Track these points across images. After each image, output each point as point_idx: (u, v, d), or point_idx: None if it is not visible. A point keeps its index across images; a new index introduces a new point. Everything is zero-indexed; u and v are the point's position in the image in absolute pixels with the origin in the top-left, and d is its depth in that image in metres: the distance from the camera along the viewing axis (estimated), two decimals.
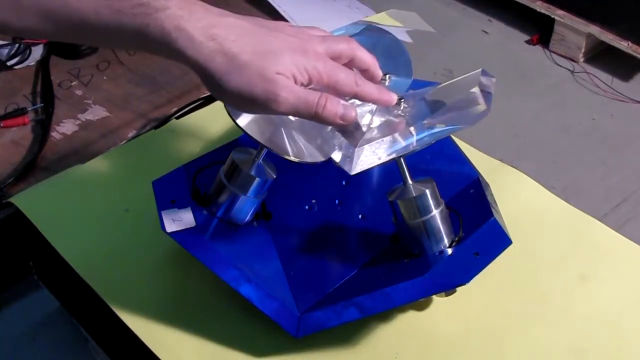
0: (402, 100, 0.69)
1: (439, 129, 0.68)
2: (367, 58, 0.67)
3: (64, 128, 1.11)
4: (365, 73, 0.67)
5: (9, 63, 1.21)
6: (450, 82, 0.72)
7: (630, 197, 1.33)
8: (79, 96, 1.17)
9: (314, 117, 0.62)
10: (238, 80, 0.59)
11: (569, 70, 1.63)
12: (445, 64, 1.59)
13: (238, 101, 0.61)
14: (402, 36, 1.49)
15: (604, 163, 1.40)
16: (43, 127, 1.10)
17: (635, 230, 1.21)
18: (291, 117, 0.71)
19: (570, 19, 1.62)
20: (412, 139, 0.68)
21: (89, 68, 1.22)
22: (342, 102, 0.63)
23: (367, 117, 0.71)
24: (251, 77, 0.59)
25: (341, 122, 0.63)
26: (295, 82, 0.61)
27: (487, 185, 0.79)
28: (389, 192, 0.73)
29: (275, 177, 0.75)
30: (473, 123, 0.69)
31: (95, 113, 1.14)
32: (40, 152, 1.06)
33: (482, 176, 0.80)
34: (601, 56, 1.66)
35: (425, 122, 0.68)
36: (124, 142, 1.07)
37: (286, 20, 1.33)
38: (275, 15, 1.34)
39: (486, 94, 0.69)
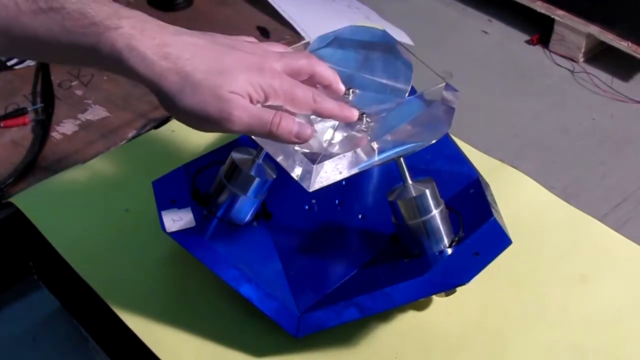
0: (365, 115, 0.69)
1: (401, 146, 0.68)
2: (328, 73, 0.67)
3: (64, 128, 1.11)
4: (327, 88, 0.67)
5: (9, 63, 1.21)
6: (413, 96, 0.72)
7: (630, 197, 1.33)
8: (79, 96, 1.17)
9: (268, 135, 0.62)
10: (191, 99, 0.60)
11: (569, 70, 1.63)
12: (445, 64, 1.60)
13: (192, 120, 0.61)
14: (402, 38, 1.49)
15: (604, 163, 1.40)
16: (43, 127, 1.10)
17: (635, 230, 1.21)
18: None
19: (570, 19, 1.62)
20: (374, 155, 0.68)
21: (89, 68, 1.22)
22: (298, 119, 0.63)
23: (329, 132, 0.70)
24: (204, 96, 0.59)
25: (296, 140, 0.63)
26: (251, 101, 0.61)
27: (487, 185, 0.79)
28: (389, 192, 0.73)
29: (275, 177, 0.75)
30: (434, 140, 0.69)
31: (95, 113, 1.14)
32: (40, 152, 1.06)
33: (482, 176, 0.80)
34: (601, 56, 1.66)
35: (387, 137, 0.68)
36: (124, 142, 1.07)
37: (286, 21, 1.33)
38: (275, 15, 1.34)
39: (449, 109, 0.70)
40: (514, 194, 0.89)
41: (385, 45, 0.76)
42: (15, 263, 0.92)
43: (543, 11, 1.66)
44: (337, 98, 0.68)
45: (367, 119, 0.70)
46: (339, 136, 0.70)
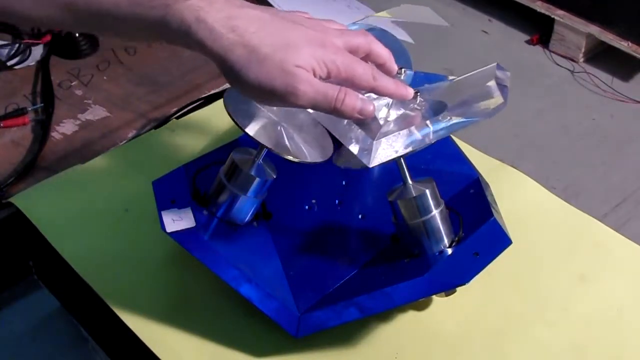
0: (418, 93, 0.70)
1: (455, 121, 0.68)
2: (384, 52, 0.67)
3: (64, 128, 1.11)
4: (382, 67, 0.67)
5: (9, 63, 1.21)
6: (465, 75, 0.72)
7: (630, 197, 1.33)
8: (79, 96, 1.17)
9: (332, 111, 0.62)
10: (258, 73, 0.59)
11: (569, 70, 1.63)
12: (445, 64, 1.60)
13: (258, 93, 0.61)
14: (403, 36, 1.49)
15: (604, 163, 1.40)
16: (43, 127, 1.10)
17: (635, 230, 1.21)
18: (284, 113, 0.71)
19: (570, 19, 1.62)
20: (428, 132, 0.68)
21: (89, 68, 1.22)
22: (360, 96, 0.63)
23: (384, 110, 0.71)
24: (271, 69, 0.59)
25: (359, 116, 0.64)
26: (314, 75, 0.61)
27: (487, 185, 0.80)
28: (389, 192, 0.73)
29: (275, 177, 0.75)
30: (490, 116, 0.68)
31: (95, 113, 1.14)
32: (40, 152, 1.06)
33: (482, 176, 0.80)
34: (601, 56, 1.66)
35: (441, 115, 0.68)
36: (124, 142, 1.07)
37: None
38: None
39: (502, 87, 0.69)
40: (514, 194, 0.89)
41: (385, 43, 0.76)
42: (15, 263, 0.92)
43: (543, 11, 1.66)
44: (390, 77, 0.68)
45: (421, 98, 0.70)
46: (393, 114, 0.70)
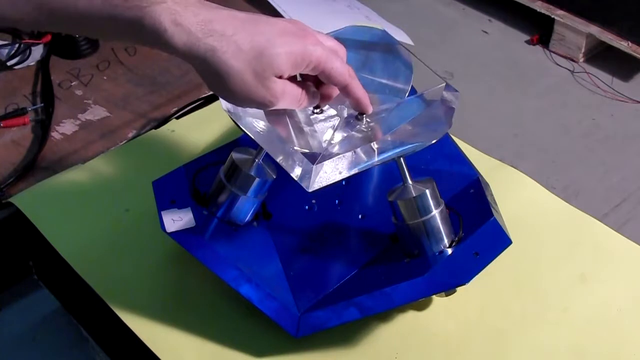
0: (365, 115, 0.69)
1: (401, 146, 0.68)
2: (360, 94, 0.67)
3: (64, 128, 1.11)
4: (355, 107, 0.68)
5: (9, 63, 1.21)
6: (413, 96, 0.72)
7: (630, 197, 1.33)
8: (79, 96, 1.17)
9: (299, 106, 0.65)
10: (234, 85, 0.60)
11: (569, 70, 1.63)
12: (445, 64, 1.59)
13: (235, 101, 0.62)
14: (402, 37, 1.49)
15: (604, 163, 1.40)
16: (43, 127, 1.10)
17: (635, 230, 1.21)
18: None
19: (570, 19, 1.62)
20: (373, 155, 0.68)
21: (89, 68, 1.22)
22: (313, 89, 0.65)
23: (329, 132, 0.71)
24: (247, 82, 0.60)
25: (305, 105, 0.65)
26: (293, 70, 0.61)
27: (487, 185, 0.79)
28: (389, 192, 0.73)
29: (275, 177, 0.75)
30: (434, 140, 0.69)
31: (95, 113, 1.14)
32: (40, 152, 1.06)
33: (482, 176, 0.80)
34: (601, 56, 1.66)
35: (387, 138, 0.68)
36: (124, 142, 1.07)
37: None
38: (275, 15, 1.34)
39: (449, 109, 0.70)
40: (514, 194, 0.89)
41: (385, 45, 0.76)
42: (15, 263, 0.92)
43: (543, 11, 1.66)
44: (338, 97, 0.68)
45: (367, 119, 0.70)
46: (338, 136, 0.70)
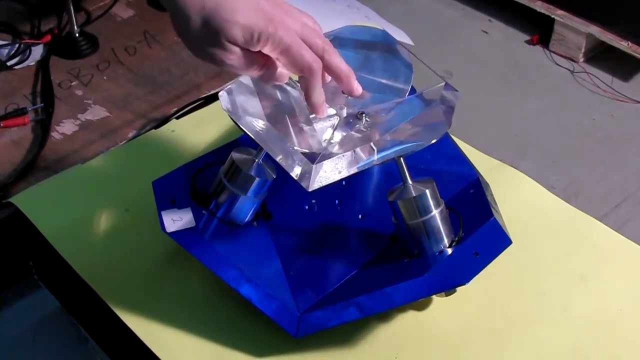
0: (364, 114, 0.70)
1: (400, 145, 0.68)
2: (343, 67, 0.66)
3: (64, 128, 1.11)
4: (339, 85, 0.68)
5: (9, 63, 1.21)
6: (413, 96, 0.72)
7: (630, 197, 1.33)
8: (79, 96, 1.17)
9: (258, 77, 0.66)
10: (192, 32, 0.62)
11: (569, 70, 1.63)
12: (445, 64, 1.60)
13: (190, 47, 0.64)
14: (402, 37, 1.49)
15: (604, 163, 1.40)
16: (43, 127, 1.10)
17: (635, 230, 1.21)
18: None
19: (570, 19, 1.62)
20: (373, 155, 0.68)
21: (89, 68, 1.22)
22: (281, 69, 0.65)
23: (329, 132, 0.71)
24: (204, 32, 0.61)
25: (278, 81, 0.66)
26: (246, 44, 0.62)
27: (487, 185, 0.79)
28: (389, 192, 0.73)
29: (275, 177, 0.75)
30: (434, 140, 0.69)
31: (95, 113, 1.14)
32: (40, 152, 1.06)
33: (482, 176, 0.80)
34: (601, 56, 1.66)
35: (387, 137, 0.68)
36: (124, 142, 1.07)
37: None
38: None
39: (448, 108, 0.70)
40: (514, 194, 0.89)
41: (385, 45, 0.76)
42: (15, 263, 0.92)
43: (543, 11, 1.66)
44: (335, 94, 0.68)
45: (367, 119, 0.70)
46: (338, 136, 0.70)
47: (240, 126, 0.69)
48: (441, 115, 0.69)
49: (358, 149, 0.68)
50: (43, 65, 1.21)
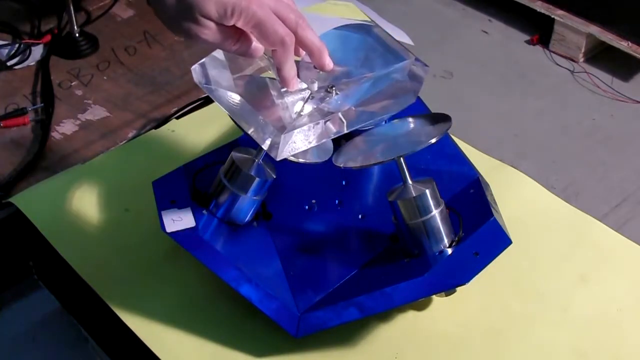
0: (334, 87, 0.70)
1: (369, 118, 0.70)
2: (315, 41, 0.67)
3: (64, 128, 1.11)
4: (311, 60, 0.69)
5: (9, 63, 1.21)
6: (383, 71, 0.73)
7: (630, 197, 1.33)
8: (79, 96, 1.17)
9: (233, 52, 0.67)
10: (167, 5, 0.63)
11: (569, 70, 1.63)
12: (445, 64, 1.60)
13: (165, 21, 0.65)
14: (402, 37, 1.49)
15: (604, 163, 1.40)
16: (43, 127, 1.10)
17: (635, 230, 1.22)
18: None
19: (570, 19, 1.62)
20: (342, 126, 0.69)
21: (89, 68, 1.22)
22: (256, 43, 0.66)
23: (299, 104, 0.71)
24: (179, 6, 0.62)
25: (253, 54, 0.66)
26: (220, 19, 0.62)
27: (487, 185, 0.80)
28: (389, 192, 0.73)
29: (275, 177, 0.75)
30: (399, 109, 0.71)
31: (95, 113, 1.14)
32: (40, 152, 1.06)
33: (482, 176, 0.80)
34: (601, 56, 1.66)
35: (356, 109, 0.69)
36: (124, 142, 1.07)
37: None
38: None
39: (416, 83, 0.71)
40: (514, 194, 0.89)
41: (359, 26, 0.76)
42: (15, 263, 0.92)
43: (543, 11, 1.66)
44: (308, 69, 0.69)
45: (337, 92, 0.71)
46: (308, 108, 0.71)
47: (214, 99, 0.69)
48: (409, 88, 0.70)
49: (328, 121, 0.69)
50: (43, 65, 1.21)
